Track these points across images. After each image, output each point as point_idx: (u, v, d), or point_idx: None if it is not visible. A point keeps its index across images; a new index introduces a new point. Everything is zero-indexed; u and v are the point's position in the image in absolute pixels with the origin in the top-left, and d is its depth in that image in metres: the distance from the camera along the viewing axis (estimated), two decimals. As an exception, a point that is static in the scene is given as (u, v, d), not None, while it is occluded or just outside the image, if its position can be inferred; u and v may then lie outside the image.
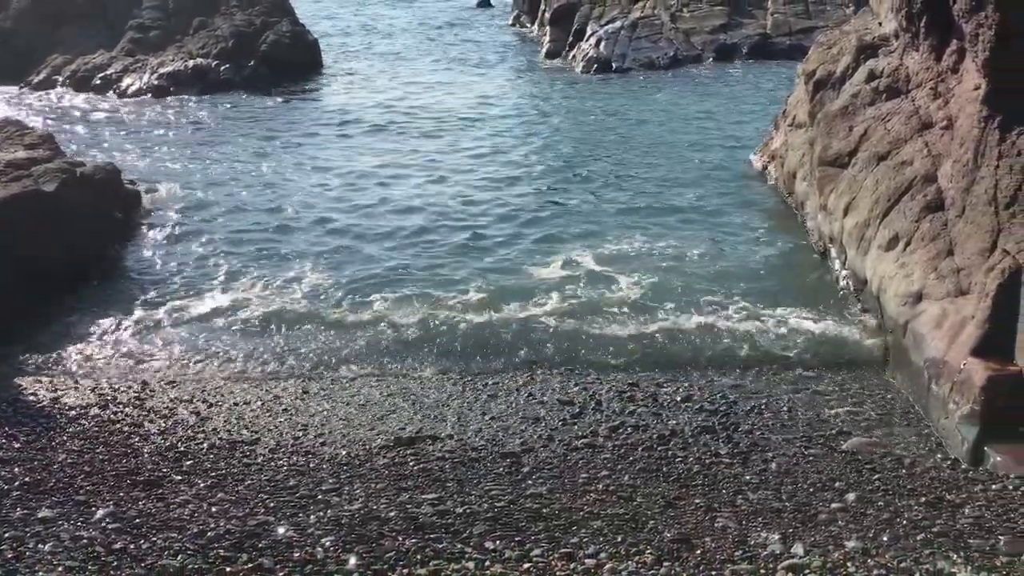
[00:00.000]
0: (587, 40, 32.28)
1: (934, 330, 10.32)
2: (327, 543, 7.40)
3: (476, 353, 11.63)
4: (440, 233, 15.91)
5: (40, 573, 6.77)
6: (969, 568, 6.84)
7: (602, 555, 7.21)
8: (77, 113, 24.36)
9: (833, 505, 8.09)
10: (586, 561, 7.11)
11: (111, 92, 26.33)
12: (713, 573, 6.86)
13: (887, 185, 12.76)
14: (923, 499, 8.15)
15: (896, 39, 15.03)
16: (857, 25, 17.19)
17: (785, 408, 10.10)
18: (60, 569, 6.85)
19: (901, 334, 11.02)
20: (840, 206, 13.59)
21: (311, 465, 8.98)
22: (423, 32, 36.49)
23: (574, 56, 31.86)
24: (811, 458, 9.04)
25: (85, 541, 7.34)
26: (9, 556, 7.02)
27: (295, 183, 18.23)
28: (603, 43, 31.42)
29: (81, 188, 14.29)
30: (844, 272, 13.24)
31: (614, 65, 30.39)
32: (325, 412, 10.15)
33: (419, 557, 7.16)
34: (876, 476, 8.64)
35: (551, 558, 7.16)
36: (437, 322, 12.27)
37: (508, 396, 10.49)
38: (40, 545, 7.24)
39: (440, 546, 7.35)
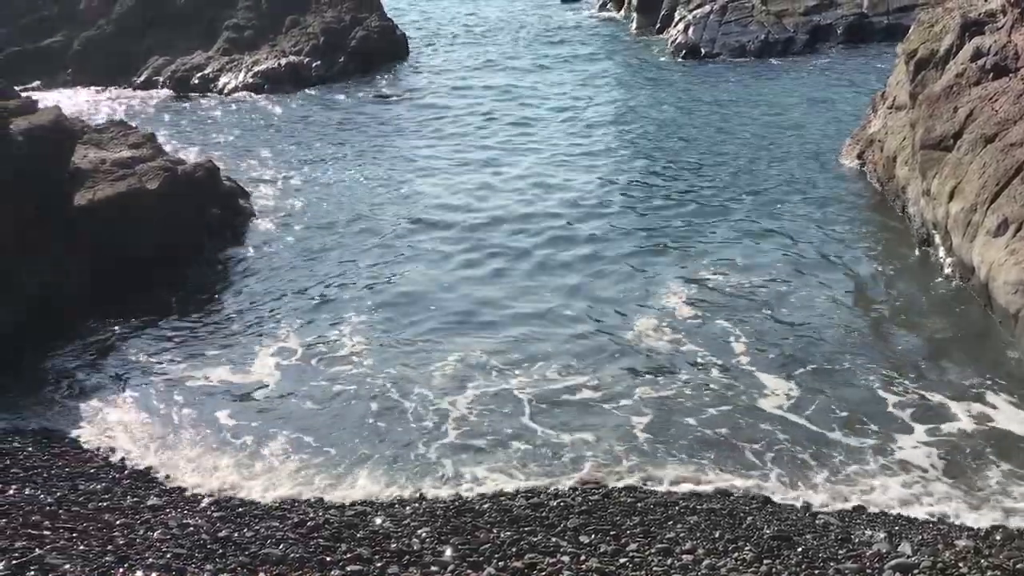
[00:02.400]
0: (675, 25, 31.79)
1: (1048, 320, 9.85)
2: (423, 534, 7.47)
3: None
4: (526, 256, 14.44)
5: (150, 559, 6.99)
6: (1090, 571, 6.50)
7: (699, 551, 7.09)
8: (177, 112, 25.13)
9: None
10: (683, 557, 7.00)
11: (209, 91, 27.11)
12: (816, 572, 6.67)
13: (995, 168, 12.21)
14: (1039, 497, 7.78)
15: (1003, 15, 14.35)
16: (961, 1, 16.48)
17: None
18: (168, 556, 7.06)
19: (1012, 324, 10.55)
20: (944, 191, 13.06)
21: (406, 456, 9.06)
22: (509, 23, 36.46)
23: (662, 42, 31.43)
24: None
25: (192, 529, 7.57)
26: (120, 543, 7.27)
27: (387, 187, 17.91)
28: (691, 28, 30.86)
29: (182, 186, 14.73)
30: (949, 260, 12.72)
31: (703, 51, 29.80)
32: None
33: (514, 550, 7.16)
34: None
35: (647, 553, 7.08)
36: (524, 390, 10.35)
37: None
38: (149, 532, 7.48)
39: (535, 539, 7.34)
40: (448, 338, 11.67)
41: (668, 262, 13.84)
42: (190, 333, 12.08)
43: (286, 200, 17.34)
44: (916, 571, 6.54)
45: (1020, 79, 13.10)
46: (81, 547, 7.14)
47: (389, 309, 12.61)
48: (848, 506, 7.94)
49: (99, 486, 8.34)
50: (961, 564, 6.64)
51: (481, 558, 7.08)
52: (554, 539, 7.35)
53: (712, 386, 10.19)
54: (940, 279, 12.59)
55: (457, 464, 8.89)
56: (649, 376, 10.50)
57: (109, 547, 7.15)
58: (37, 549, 6.95)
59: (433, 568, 6.97)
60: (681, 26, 31.57)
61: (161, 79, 27.98)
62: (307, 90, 26.84)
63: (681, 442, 9.12)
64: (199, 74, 27.95)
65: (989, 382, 9.93)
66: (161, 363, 11.26)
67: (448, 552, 7.18)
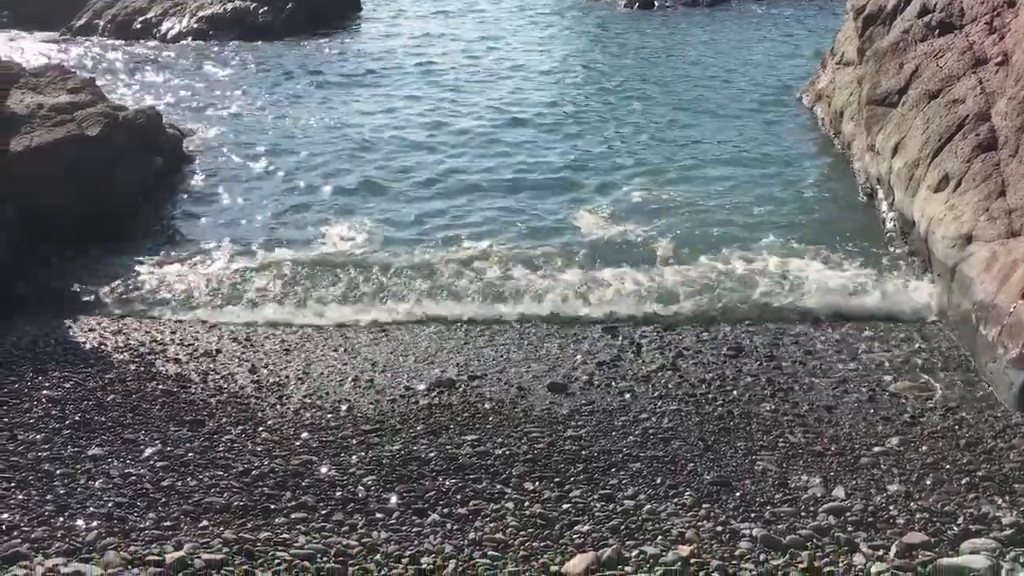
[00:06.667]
0: (629, -23, 31.79)
1: (983, 273, 10.10)
2: (368, 482, 7.50)
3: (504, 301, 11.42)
4: (471, 178, 15.80)
5: (91, 508, 6.94)
6: (1014, 512, 6.75)
7: (641, 496, 7.23)
8: (118, 57, 24.43)
9: (875, 448, 8.02)
10: (625, 502, 7.13)
11: (151, 36, 26.38)
12: (752, 515, 6.84)
13: (938, 124, 12.41)
14: (968, 443, 8.05)
15: (951, -29, 14.47)
16: (910, -43, 16.57)
17: (830, 352, 9.99)
18: (110, 505, 7.01)
19: (949, 277, 10.80)
20: (888, 146, 13.25)
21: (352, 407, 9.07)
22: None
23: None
24: (854, 401, 8.95)
25: (134, 478, 7.52)
26: (61, 492, 7.20)
27: (335, 130, 18.11)
28: (646, -21, 30.86)
29: (123, 132, 14.38)
30: (891, 214, 12.95)
31: (655, 2, 29.82)
32: (367, 355, 10.22)
33: (459, 497, 7.23)
34: (920, 420, 8.54)
35: (590, 499, 7.19)
36: (471, 272, 12.10)
37: (543, 342, 10.51)
38: (91, 482, 7.41)
39: (480, 486, 7.41)
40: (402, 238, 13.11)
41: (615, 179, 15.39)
42: (133, 285, 11.88)
43: (230, 149, 17.04)
44: (848, 514, 6.74)
45: (964, 36, 13.27)
46: (20, 496, 7.06)
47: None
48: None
49: (39, 436, 8.22)
50: (892, 507, 6.85)
51: (426, 505, 7.15)
52: (499, 486, 7.44)
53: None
54: (883, 232, 12.89)
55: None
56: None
57: (49, 496, 7.08)
58: (-26, 499, 6.86)
59: (378, 515, 7.01)
60: (635, -23, 31.52)
61: (101, 23, 27.16)
62: (253, 37, 26.29)
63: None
64: (141, 18, 27.19)
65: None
66: (99, 313, 11.07)
67: (393, 499, 7.23)
